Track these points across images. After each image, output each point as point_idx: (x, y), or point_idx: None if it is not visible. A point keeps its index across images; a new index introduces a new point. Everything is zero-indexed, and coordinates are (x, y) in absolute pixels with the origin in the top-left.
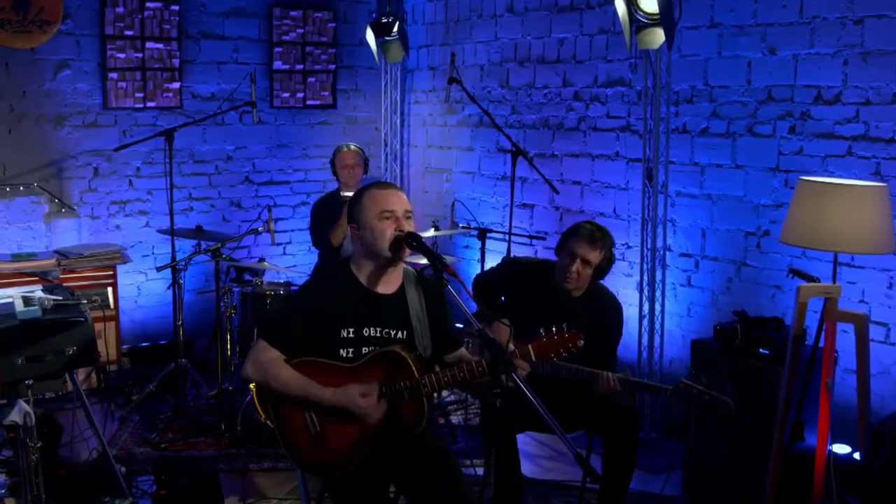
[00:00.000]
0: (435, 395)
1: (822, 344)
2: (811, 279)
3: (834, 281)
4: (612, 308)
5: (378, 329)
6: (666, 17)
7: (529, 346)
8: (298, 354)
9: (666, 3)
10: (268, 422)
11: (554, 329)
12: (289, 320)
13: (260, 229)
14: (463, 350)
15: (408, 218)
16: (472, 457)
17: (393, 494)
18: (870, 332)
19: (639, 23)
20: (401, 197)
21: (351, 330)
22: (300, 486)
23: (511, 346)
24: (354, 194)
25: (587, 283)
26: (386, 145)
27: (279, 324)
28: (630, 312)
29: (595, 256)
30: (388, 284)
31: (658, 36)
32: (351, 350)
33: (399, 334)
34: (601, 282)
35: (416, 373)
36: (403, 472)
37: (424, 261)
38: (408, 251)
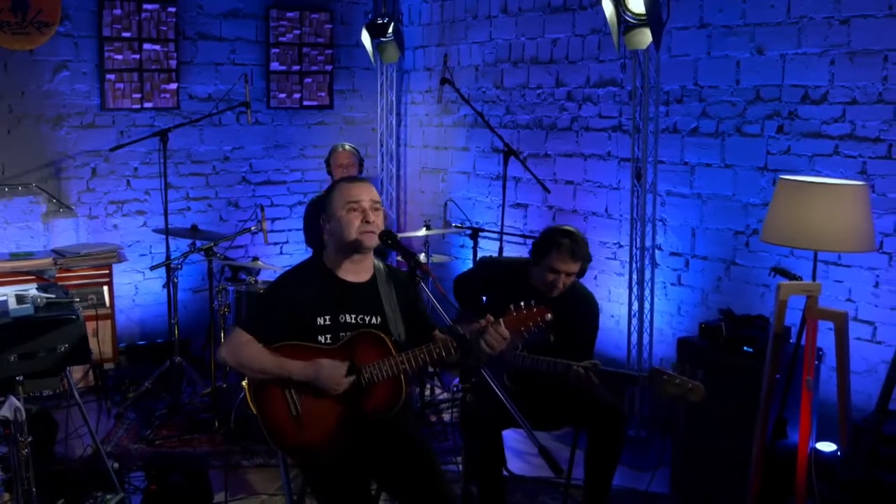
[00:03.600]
0: (412, 374)
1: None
2: (794, 277)
3: (814, 279)
4: (589, 304)
5: (353, 316)
6: (653, 18)
7: (500, 321)
8: (274, 341)
9: (653, 4)
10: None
11: (522, 304)
12: (264, 310)
13: (253, 228)
14: (438, 333)
15: (375, 209)
16: (461, 454)
17: (374, 491)
18: (857, 331)
19: (627, 23)
20: (368, 188)
21: (327, 317)
22: (284, 482)
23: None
24: (325, 189)
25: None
26: (382, 145)
27: (255, 313)
28: (620, 311)
29: (577, 267)
30: (360, 274)
31: (645, 36)
32: (329, 336)
33: (374, 320)
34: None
35: (393, 351)
36: (383, 467)
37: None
38: (375, 241)
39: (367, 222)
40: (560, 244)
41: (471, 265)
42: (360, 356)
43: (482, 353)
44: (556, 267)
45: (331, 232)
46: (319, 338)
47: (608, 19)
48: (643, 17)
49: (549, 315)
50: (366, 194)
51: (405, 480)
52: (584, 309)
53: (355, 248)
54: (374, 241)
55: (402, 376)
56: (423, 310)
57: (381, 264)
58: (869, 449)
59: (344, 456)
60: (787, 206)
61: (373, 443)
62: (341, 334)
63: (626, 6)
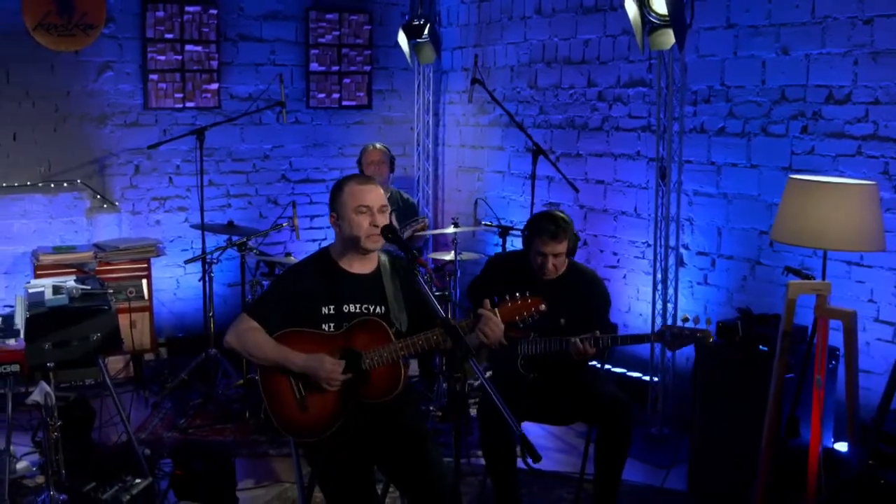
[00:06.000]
0: (410, 359)
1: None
2: (806, 277)
3: (823, 278)
4: (592, 282)
5: (357, 305)
6: (676, 19)
7: (496, 310)
8: (278, 328)
9: (676, 5)
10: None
11: (518, 294)
12: (271, 299)
13: (284, 224)
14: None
15: (382, 212)
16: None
17: (381, 491)
18: (878, 332)
19: (651, 24)
20: (377, 192)
21: (332, 307)
22: (296, 471)
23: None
24: (335, 185)
25: (564, 265)
26: (419, 145)
27: (262, 302)
28: (648, 310)
29: (563, 247)
30: (365, 266)
31: (669, 37)
32: (332, 325)
33: (377, 309)
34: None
35: (392, 339)
36: (383, 454)
37: (449, 257)
38: (381, 242)
39: (375, 226)
40: (541, 228)
41: None
42: (360, 343)
43: (474, 344)
44: (542, 250)
45: (340, 230)
46: (324, 326)
47: (632, 20)
48: (666, 18)
49: (543, 306)
50: (375, 200)
51: (402, 467)
52: (587, 288)
53: (363, 248)
54: (379, 242)
55: (400, 362)
56: (426, 298)
57: (385, 258)
58: (871, 448)
59: (346, 439)
60: (796, 206)
61: (374, 427)
62: (344, 324)
63: (650, 7)
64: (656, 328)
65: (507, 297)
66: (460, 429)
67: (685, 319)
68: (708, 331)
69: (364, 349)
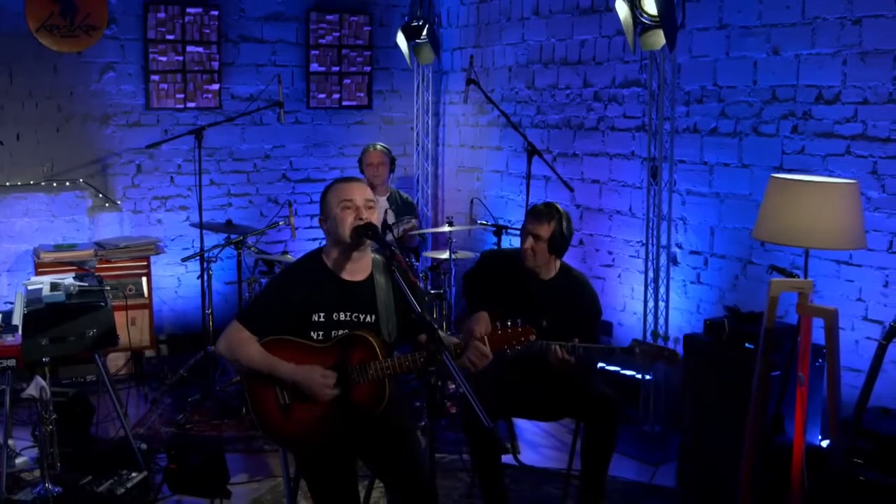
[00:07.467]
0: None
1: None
2: (790, 275)
3: (806, 276)
4: (582, 287)
5: (347, 314)
6: (667, 19)
7: (485, 338)
8: (270, 335)
9: (666, 5)
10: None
11: (509, 323)
12: (263, 305)
13: (281, 223)
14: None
15: (369, 207)
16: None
17: (367, 486)
18: (867, 331)
19: (642, 24)
20: (361, 188)
21: (322, 314)
22: (282, 463)
23: (476, 334)
24: (323, 189)
25: (546, 259)
26: (418, 145)
27: (254, 308)
28: (641, 308)
29: (544, 230)
30: (357, 272)
31: (659, 37)
32: (321, 333)
33: (368, 319)
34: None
35: (380, 356)
36: (369, 449)
37: (445, 255)
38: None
39: (361, 219)
40: (531, 208)
41: None
42: (348, 357)
43: (442, 345)
44: (525, 227)
45: (328, 231)
46: (312, 334)
47: (622, 21)
48: (657, 19)
49: (534, 336)
50: (359, 193)
51: (389, 464)
52: (575, 291)
53: (351, 244)
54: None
55: (386, 380)
56: (404, 294)
57: (378, 257)
58: (849, 445)
59: (330, 445)
60: (778, 205)
61: (358, 427)
62: (333, 332)
63: (640, 7)
64: (648, 328)
65: (498, 325)
66: (434, 423)
67: (655, 336)
68: (675, 352)
69: (351, 364)
